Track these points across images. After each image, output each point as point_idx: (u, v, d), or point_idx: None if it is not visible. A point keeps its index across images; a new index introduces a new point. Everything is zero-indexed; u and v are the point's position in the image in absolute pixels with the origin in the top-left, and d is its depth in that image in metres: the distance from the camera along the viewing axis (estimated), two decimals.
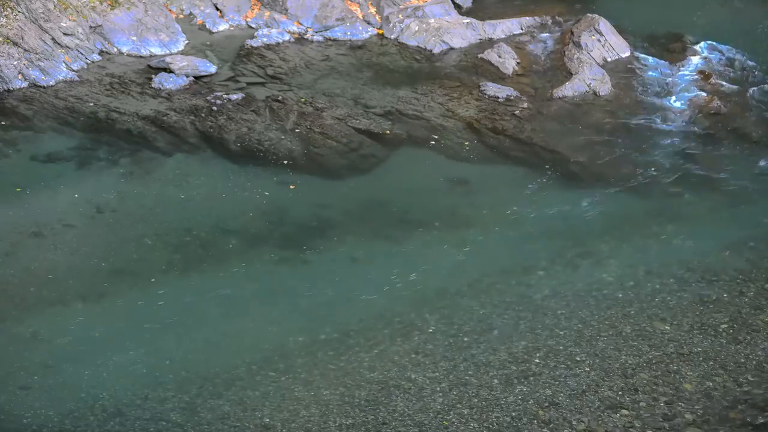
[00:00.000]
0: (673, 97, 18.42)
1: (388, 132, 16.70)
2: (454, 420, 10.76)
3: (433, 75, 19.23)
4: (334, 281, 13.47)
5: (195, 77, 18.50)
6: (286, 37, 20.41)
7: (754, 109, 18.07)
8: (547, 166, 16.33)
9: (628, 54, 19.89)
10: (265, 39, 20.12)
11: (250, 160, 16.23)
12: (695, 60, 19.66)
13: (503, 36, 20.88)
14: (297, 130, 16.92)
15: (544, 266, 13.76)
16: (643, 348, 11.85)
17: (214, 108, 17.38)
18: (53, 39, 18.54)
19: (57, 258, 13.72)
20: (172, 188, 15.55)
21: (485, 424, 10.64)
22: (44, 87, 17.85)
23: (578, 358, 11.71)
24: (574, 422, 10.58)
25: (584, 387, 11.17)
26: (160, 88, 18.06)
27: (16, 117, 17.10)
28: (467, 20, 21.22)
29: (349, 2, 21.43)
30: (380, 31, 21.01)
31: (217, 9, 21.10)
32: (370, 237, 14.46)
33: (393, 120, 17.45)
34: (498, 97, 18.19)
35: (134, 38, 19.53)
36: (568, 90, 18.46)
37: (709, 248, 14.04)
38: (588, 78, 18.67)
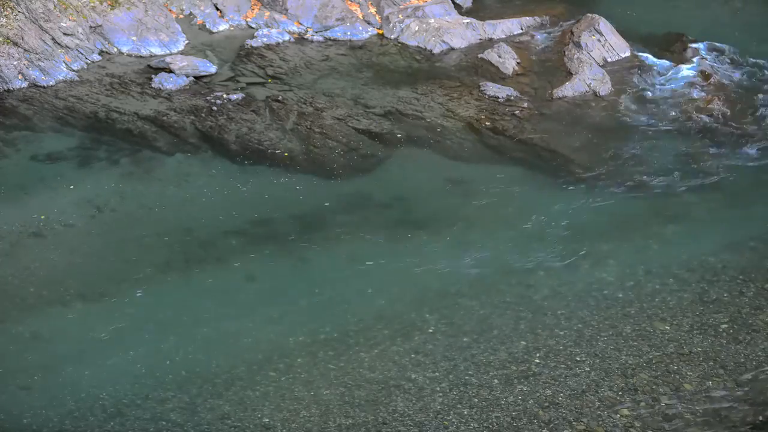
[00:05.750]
0: (673, 97, 18.41)
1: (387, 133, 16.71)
2: (454, 420, 10.76)
3: (433, 75, 19.22)
4: (334, 281, 13.46)
5: (195, 77, 18.49)
6: (286, 37, 20.40)
7: (755, 109, 18.06)
8: (547, 166, 16.33)
9: (628, 54, 19.88)
10: (265, 39, 20.11)
11: (250, 160, 16.23)
12: (695, 60, 19.65)
13: (503, 36, 20.86)
14: (297, 130, 16.92)
15: (544, 266, 13.76)
16: (643, 348, 11.85)
17: (214, 108, 17.38)
18: (53, 39, 18.53)
19: (57, 258, 13.72)
20: (172, 188, 15.55)
21: (485, 424, 10.64)
22: (44, 87, 17.84)
23: (578, 358, 11.71)
24: (574, 422, 10.59)
25: (584, 387, 11.17)
26: (160, 88, 18.06)
27: (16, 117, 17.10)
28: (467, 20, 21.21)
29: (349, 2, 21.43)
30: (380, 31, 21.00)
31: (217, 9, 21.09)
32: (370, 237, 14.46)
33: (393, 120, 17.45)
34: (498, 97, 18.19)
35: (134, 38, 19.52)
36: (568, 90, 18.46)
37: (709, 248, 14.04)
38: (588, 78, 18.67)
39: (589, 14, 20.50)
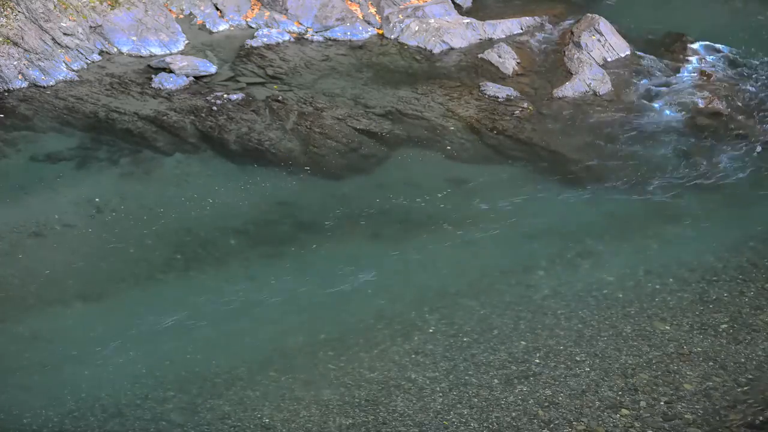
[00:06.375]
0: (673, 97, 18.41)
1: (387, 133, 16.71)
2: (454, 420, 10.76)
3: (433, 75, 19.23)
4: (334, 281, 13.46)
5: (195, 77, 18.49)
6: (286, 37, 20.40)
7: (754, 109, 18.07)
8: (547, 166, 16.33)
9: (628, 54, 19.88)
10: (265, 39, 20.11)
11: (250, 160, 16.23)
12: (695, 60, 19.65)
13: (503, 36, 20.86)
14: (297, 130, 16.92)
15: (544, 266, 13.76)
16: (643, 348, 11.85)
17: (214, 108, 17.38)
18: (53, 39, 18.53)
19: (57, 258, 13.72)
20: (172, 188, 15.55)
21: (485, 424, 10.64)
22: (44, 87, 17.85)
23: (578, 358, 11.71)
24: (574, 422, 10.58)
25: (584, 387, 11.17)
26: (160, 88, 18.06)
27: (16, 117, 17.10)
28: (467, 20, 21.21)
29: (349, 2, 21.43)
30: (380, 31, 21.00)
31: (217, 9, 21.09)
32: (370, 237, 14.46)
33: (393, 120, 17.45)
34: (498, 97, 18.19)
35: (134, 38, 19.52)
36: (568, 90, 18.46)
37: (709, 248, 14.05)
38: (588, 78, 18.67)
39: (589, 14, 20.52)
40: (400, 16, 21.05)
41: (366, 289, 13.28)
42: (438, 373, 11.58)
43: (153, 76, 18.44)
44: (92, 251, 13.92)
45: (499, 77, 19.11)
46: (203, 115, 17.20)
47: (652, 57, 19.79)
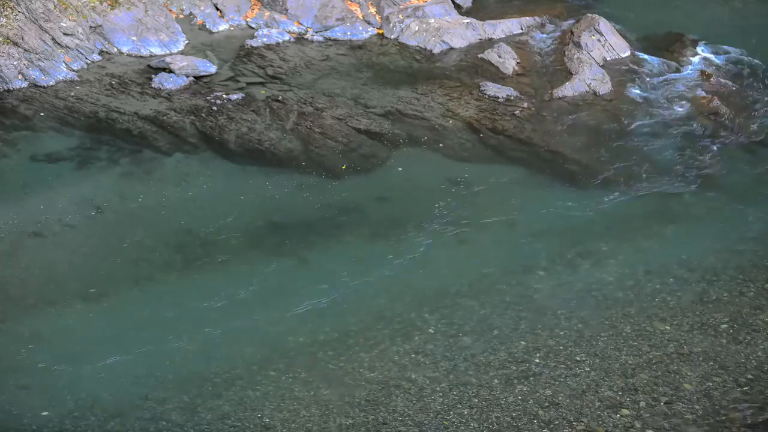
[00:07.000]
0: (673, 97, 18.40)
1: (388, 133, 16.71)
2: (454, 420, 10.76)
3: (433, 75, 19.23)
4: (335, 281, 13.47)
5: (195, 77, 18.49)
6: (286, 37, 20.41)
7: (754, 109, 18.07)
8: (547, 166, 16.33)
9: (628, 54, 19.88)
10: (265, 39, 20.11)
11: (250, 160, 16.24)
12: (695, 60, 19.66)
13: (503, 36, 20.87)
14: (297, 130, 16.92)
15: (544, 266, 13.76)
16: (643, 348, 11.85)
17: (214, 108, 17.38)
18: (53, 39, 18.53)
19: (57, 258, 13.72)
20: (172, 188, 15.55)
21: (485, 424, 10.64)
22: (44, 87, 17.85)
23: (578, 358, 11.71)
24: (574, 422, 10.58)
25: (584, 387, 11.17)
26: (160, 88, 18.06)
27: (16, 117, 17.10)
28: (467, 20, 21.22)
29: (349, 2, 21.43)
30: (380, 31, 21.01)
31: (217, 9, 21.09)
32: (370, 237, 14.46)
33: (393, 120, 17.45)
34: (498, 97, 18.19)
35: (134, 38, 19.52)
36: (568, 90, 18.46)
37: (709, 248, 14.05)
38: (588, 78, 18.67)
39: (589, 14, 20.52)
40: (400, 16, 21.06)
41: (366, 289, 13.28)
42: (438, 373, 11.58)
43: (153, 76, 18.45)
44: (92, 251, 13.92)
45: (499, 77, 19.11)
46: (203, 115, 17.20)
47: (652, 57, 19.80)
